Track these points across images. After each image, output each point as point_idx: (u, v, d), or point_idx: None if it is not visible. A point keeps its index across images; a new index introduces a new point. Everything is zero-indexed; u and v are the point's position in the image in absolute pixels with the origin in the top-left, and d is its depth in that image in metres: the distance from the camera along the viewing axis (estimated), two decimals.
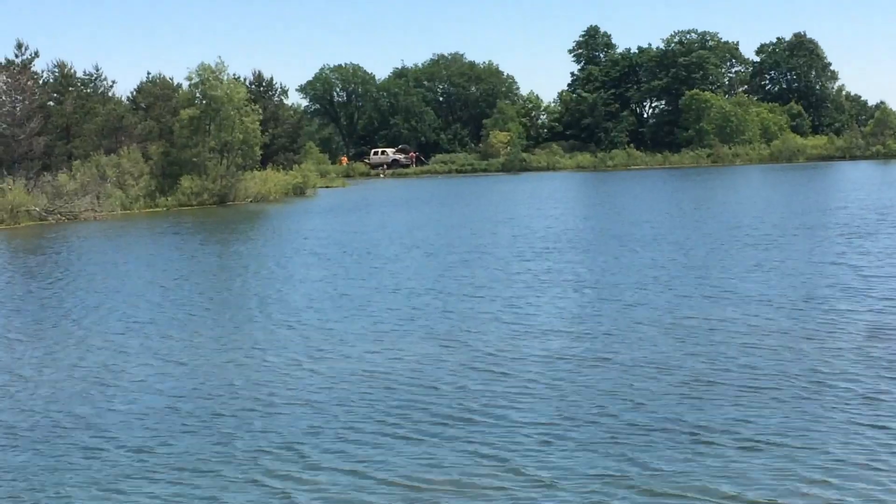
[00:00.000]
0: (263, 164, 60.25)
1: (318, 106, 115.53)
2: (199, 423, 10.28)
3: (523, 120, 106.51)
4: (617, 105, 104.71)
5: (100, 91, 57.99)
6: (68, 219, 42.90)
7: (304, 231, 33.33)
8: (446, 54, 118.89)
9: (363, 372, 12.22)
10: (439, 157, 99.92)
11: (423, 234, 30.14)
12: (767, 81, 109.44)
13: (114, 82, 63.94)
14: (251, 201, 53.45)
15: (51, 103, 53.96)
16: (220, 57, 55.88)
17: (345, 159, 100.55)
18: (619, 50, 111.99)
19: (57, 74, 55.77)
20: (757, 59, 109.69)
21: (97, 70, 59.07)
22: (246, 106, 53.16)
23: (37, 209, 42.63)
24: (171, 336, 15.00)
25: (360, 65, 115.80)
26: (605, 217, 35.14)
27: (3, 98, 50.60)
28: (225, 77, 53.66)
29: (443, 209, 42.56)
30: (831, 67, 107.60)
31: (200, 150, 52.06)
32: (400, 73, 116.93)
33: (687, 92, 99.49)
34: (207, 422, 10.34)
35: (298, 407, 10.76)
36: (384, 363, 12.65)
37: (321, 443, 9.49)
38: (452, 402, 10.68)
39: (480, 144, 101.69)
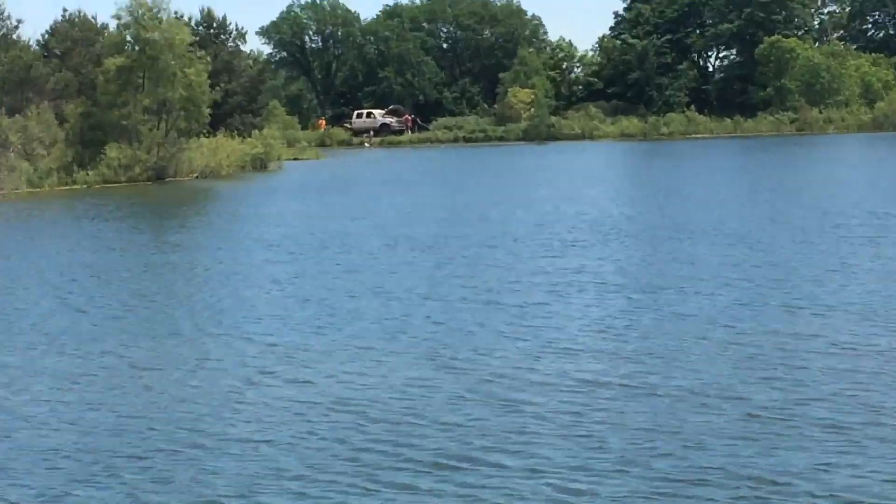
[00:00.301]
0: (214, 129, 60.26)
1: (284, 54, 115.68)
2: (115, 468, 10.23)
3: (552, 73, 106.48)
4: (674, 55, 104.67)
5: (0, 33, 58.04)
6: None
7: (264, 217, 33.38)
8: None
9: (332, 402, 12.18)
10: (442, 121, 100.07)
11: (415, 223, 30.20)
12: (870, 25, 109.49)
13: (19, 22, 63.74)
14: (197, 177, 53.59)
15: None
16: None
17: (322, 122, 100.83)
18: None
19: None
20: None
21: None
22: (190, 52, 53.13)
23: None
24: (84, 354, 14.97)
25: (340, 0, 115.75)
26: (655, 201, 35.14)
27: None
28: (165, 16, 53.69)
29: (444, 189, 42.59)
30: None
31: (131, 110, 52.05)
32: (392, 12, 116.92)
33: (765, 38, 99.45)
34: (126, 467, 10.28)
35: (247, 447, 10.71)
36: (359, 390, 12.62)
37: (272, 496, 9.43)
38: (446, 442, 10.63)
39: (496, 105, 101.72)
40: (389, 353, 14.37)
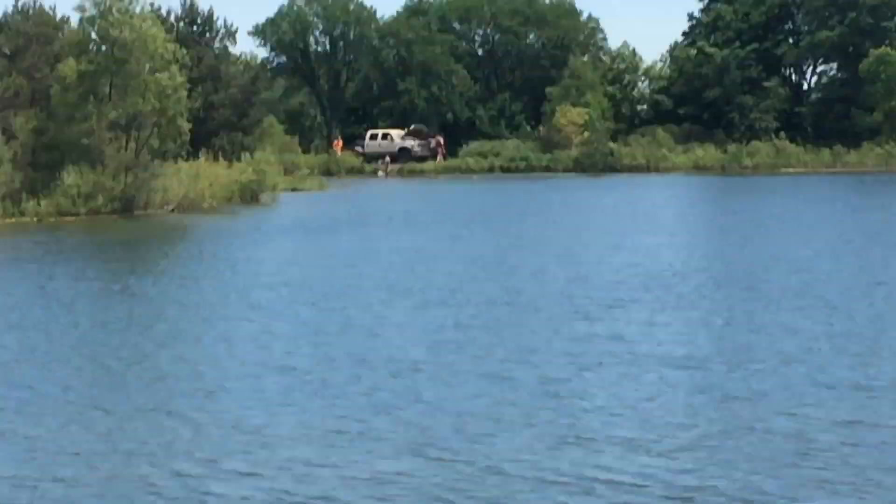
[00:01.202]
0: (195, 151, 60.35)
1: (284, 59, 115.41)
2: None
3: (611, 89, 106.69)
4: (760, 69, 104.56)
5: None
6: None
7: (247, 262, 33.46)
8: None
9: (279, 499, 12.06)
10: (475, 145, 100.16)
11: (423, 273, 30.18)
12: None
13: None
14: (172, 210, 53.66)
15: None
16: None
17: (340, 143, 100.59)
18: None
19: None
20: None
21: None
22: (164, 52, 53.08)
23: None
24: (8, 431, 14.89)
25: None
26: (728, 253, 35.03)
27: None
28: (138, 8, 53.92)
29: (466, 232, 42.50)
30: None
31: (94, 125, 52.27)
32: (416, 10, 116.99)
33: (872, 50, 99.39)
34: None
35: None
36: (317, 485, 12.46)
37: None
38: None
39: (541, 127, 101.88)
40: (372, 437, 14.29)
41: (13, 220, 48.65)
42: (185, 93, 54.08)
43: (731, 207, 56.10)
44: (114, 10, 52.69)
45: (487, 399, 16.12)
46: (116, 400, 16.52)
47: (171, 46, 53.47)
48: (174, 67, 53.16)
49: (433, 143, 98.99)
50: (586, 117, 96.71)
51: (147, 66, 52.50)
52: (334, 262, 33.32)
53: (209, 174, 58.79)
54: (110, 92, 52.83)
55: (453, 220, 47.81)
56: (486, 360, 18.69)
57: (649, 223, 45.39)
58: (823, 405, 15.52)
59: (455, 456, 13.48)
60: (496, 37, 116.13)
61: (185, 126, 54.43)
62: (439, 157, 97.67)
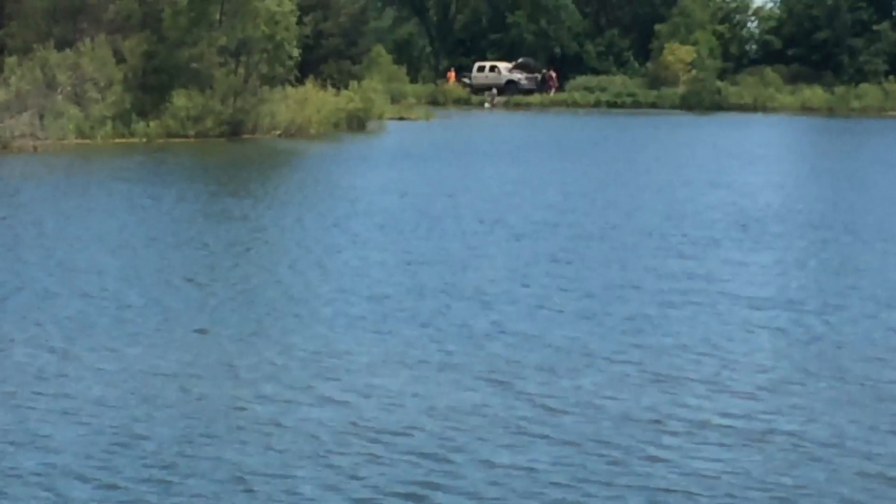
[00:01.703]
0: (303, 77, 60.48)
1: None
2: None
3: (720, 28, 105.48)
4: (871, 11, 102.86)
5: None
6: None
7: (349, 189, 33.68)
8: None
9: (363, 427, 12.16)
10: (583, 79, 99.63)
11: (520, 205, 30.16)
12: None
13: None
14: (280, 135, 54.01)
15: None
16: None
17: (452, 75, 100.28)
18: None
19: None
20: None
21: None
22: None
23: None
24: (105, 349, 15.15)
25: None
26: (828, 193, 34.82)
27: None
28: None
29: (568, 165, 42.55)
30: None
31: (204, 50, 52.63)
32: None
33: None
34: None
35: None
36: (397, 413, 12.56)
37: None
38: (483, 486, 10.52)
39: (649, 64, 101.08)
40: (445, 369, 14.37)
41: (123, 140, 49.01)
42: (293, 20, 54.16)
43: (836, 149, 55.44)
44: None
45: (574, 333, 16.12)
46: (211, 321, 16.74)
47: None
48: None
49: (546, 75, 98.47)
50: (694, 55, 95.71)
51: None
52: (434, 191, 33.29)
53: (317, 101, 58.78)
54: (220, 17, 53.09)
55: (555, 153, 47.74)
56: (574, 295, 18.69)
57: (751, 161, 45.07)
58: None
59: (539, 390, 13.52)
60: None
61: (295, 52, 54.60)
62: (553, 90, 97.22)
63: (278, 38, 53.20)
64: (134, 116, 50.51)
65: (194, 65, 52.22)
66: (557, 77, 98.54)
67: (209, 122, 51.07)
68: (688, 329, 16.50)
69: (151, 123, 50.42)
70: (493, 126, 69.66)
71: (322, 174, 38.43)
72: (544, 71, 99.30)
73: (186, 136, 50.27)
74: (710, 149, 52.33)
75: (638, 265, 21.54)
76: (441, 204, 30.20)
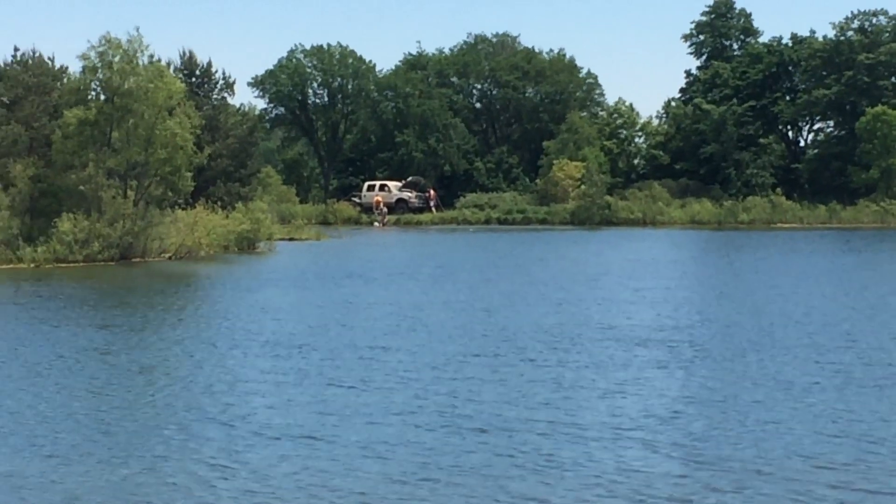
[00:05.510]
0: (193, 199, 60.50)
1: (282, 110, 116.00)
2: None
3: (608, 144, 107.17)
4: (758, 125, 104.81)
5: None
6: None
7: (239, 310, 33.67)
8: (489, 35, 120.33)
9: None
10: (472, 197, 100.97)
11: (398, 329, 29.83)
12: None
13: None
14: (170, 257, 54.02)
15: None
16: (137, 29, 55.70)
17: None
18: (764, 39, 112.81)
19: None
20: None
21: None
22: (178, 104, 53.79)
23: None
24: None
25: (352, 47, 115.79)
26: (710, 305, 35.07)
27: None
28: (143, 60, 54.38)
29: (464, 286, 42.45)
30: None
31: (92, 173, 52.51)
32: (414, 63, 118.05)
33: (868, 109, 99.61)
34: None
35: None
36: None
37: None
38: None
39: (538, 180, 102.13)
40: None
41: (10, 266, 48.91)
42: (191, 144, 54.44)
43: (724, 262, 55.76)
44: (119, 60, 52.94)
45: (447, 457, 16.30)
46: (103, 447, 16.76)
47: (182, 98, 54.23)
48: (187, 118, 53.85)
49: (426, 194, 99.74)
50: (583, 171, 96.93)
51: (148, 116, 52.65)
52: (318, 314, 33.27)
53: (206, 223, 58.79)
54: (110, 140, 53.06)
55: (441, 273, 47.71)
56: (455, 411, 18.86)
57: (638, 276, 45.30)
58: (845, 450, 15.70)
59: None
60: (494, 91, 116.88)
61: (189, 178, 55.15)
62: (434, 209, 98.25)
63: (177, 162, 53.41)
64: (20, 243, 50.44)
65: (82, 188, 52.00)
66: (436, 196, 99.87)
67: (96, 246, 50.99)
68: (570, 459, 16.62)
69: (39, 248, 50.31)
70: (385, 246, 69.68)
71: (207, 297, 38.28)
72: (426, 191, 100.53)
73: (74, 261, 50.09)
74: (599, 264, 52.48)
75: (520, 392, 21.66)
76: (325, 328, 29.95)
